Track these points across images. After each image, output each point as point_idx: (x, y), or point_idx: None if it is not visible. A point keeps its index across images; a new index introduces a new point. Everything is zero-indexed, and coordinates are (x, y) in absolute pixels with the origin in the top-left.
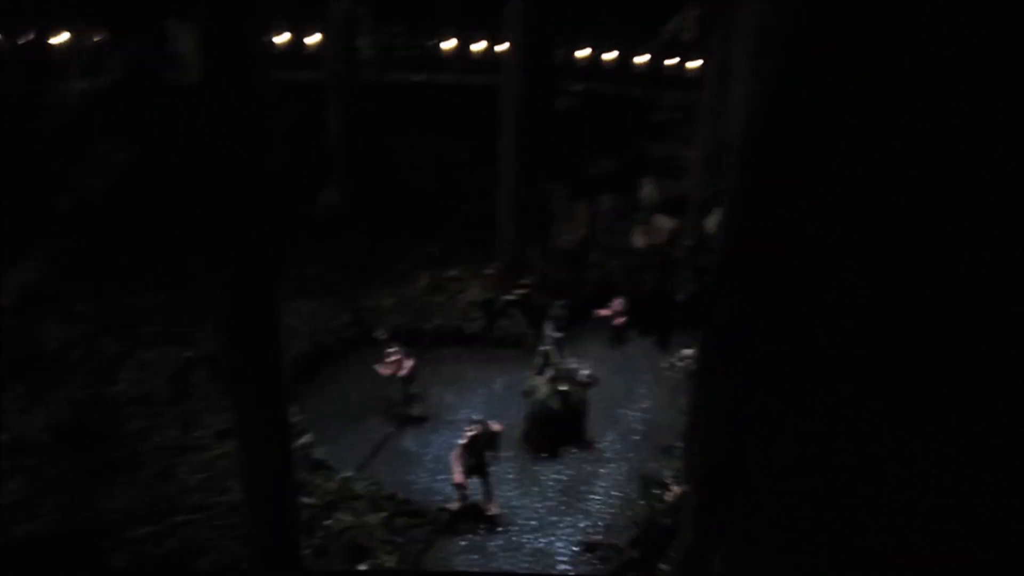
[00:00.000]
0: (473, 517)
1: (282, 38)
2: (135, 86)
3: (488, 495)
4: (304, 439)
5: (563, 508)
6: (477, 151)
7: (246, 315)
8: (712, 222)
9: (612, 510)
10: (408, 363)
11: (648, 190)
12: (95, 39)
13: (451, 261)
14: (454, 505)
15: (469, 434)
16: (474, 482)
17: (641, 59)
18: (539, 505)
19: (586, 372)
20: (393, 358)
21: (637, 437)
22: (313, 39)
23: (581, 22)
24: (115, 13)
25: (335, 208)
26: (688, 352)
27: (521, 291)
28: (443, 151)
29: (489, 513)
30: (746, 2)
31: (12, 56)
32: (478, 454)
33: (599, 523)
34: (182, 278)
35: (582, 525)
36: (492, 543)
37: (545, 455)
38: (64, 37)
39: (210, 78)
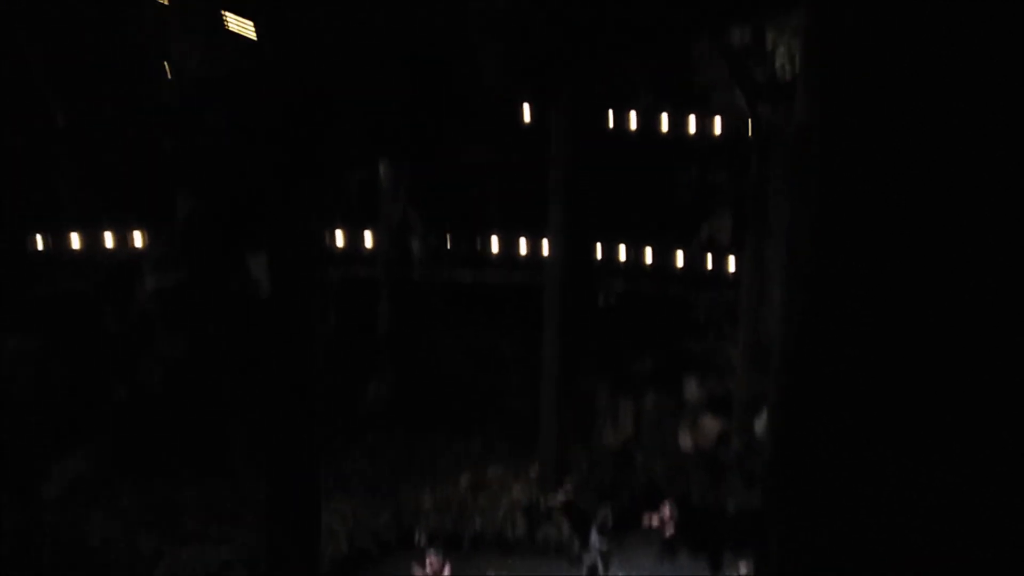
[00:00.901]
0: None
1: (339, 238)
2: (204, 291)
3: None
4: None
5: None
6: (521, 347)
7: (288, 514)
8: (760, 424)
9: None
10: (447, 572)
11: (693, 389)
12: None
13: (493, 458)
14: None
15: None
16: None
17: (679, 258)
18: None
19: None
20: (431, 568)
21: None
22: (368, 239)
23: (619, 223)
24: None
25: (382, 401)
26: (744, 571)
27: (565, 494)
28: (487, 347)
29: None
30: (775, 205)
31: (87, 254)
32: None
33: None
34: (225, 471)
35: None
36: None
37: None
38: (138, 236)
39: (277, 298)
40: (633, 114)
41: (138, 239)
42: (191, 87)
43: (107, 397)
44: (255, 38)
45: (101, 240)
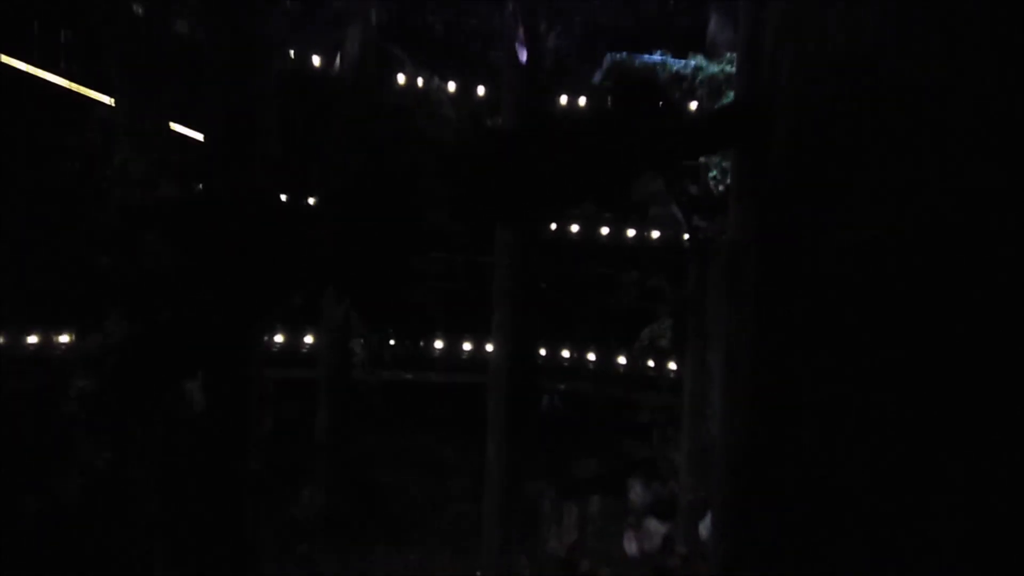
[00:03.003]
0: None
1: (278, 338)
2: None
3: None
4: None
5: None
6: (463, 451)
7: None
8: (705, 527)
9: None
10: None
11: (638, 492)
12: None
13: (433, 567)
14: None
15: None
16: None
17: (622, 361)
18: None
19: None
20: None
21: None
22: (308, 339)
23: (563, 325)
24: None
25: (317, 509)
26: None
27: None
28: (428, 450)
29: None
30: (714, 311)
31: (14, 355)
32: None
33: None
34: None
35: None
36: None
37: None
38: (65, 338)
39: (211, 411)
40: (575, 225)
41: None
42: (134, 205)
43: (16, 509)
44: (205, 159)
45: (23, 341)
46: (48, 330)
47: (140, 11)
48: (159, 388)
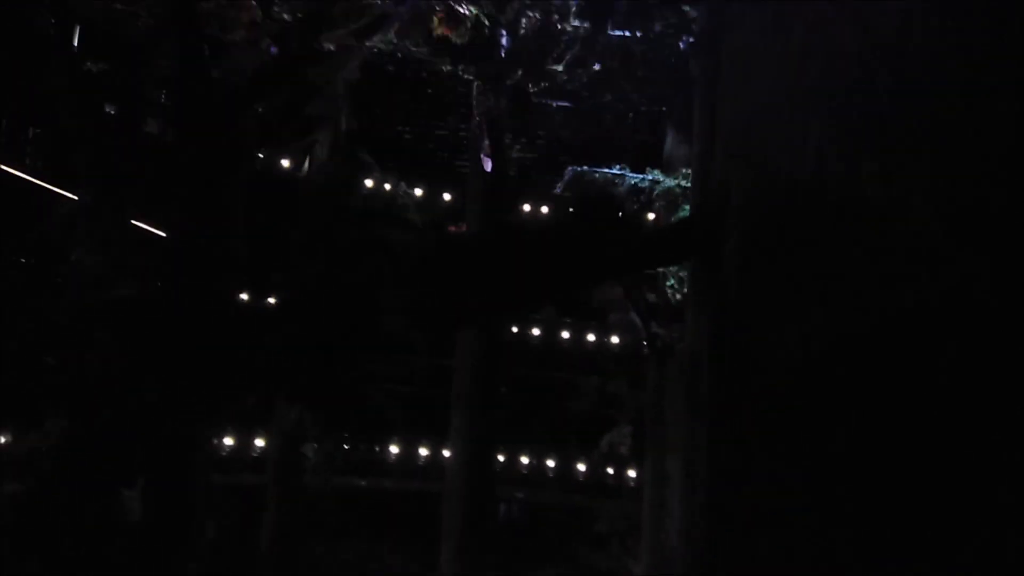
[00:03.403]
0: None
1: (227, 441)
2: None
3: None
4: None
5: None
6: (416, 559)
7: None
8: None
9: None
10: None
11: None
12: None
13: None
14: None
15: None
16: None
17: (581, 468)
18: None
19: None
20: None
21: None
22: (258, 443)
23: (521, 431)
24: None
25: None
26: None
27: None
28: (380, 559)
29: None
30: (673, 418)
31: None
32: None
33: None
34: None
35: None
36: None
37: None
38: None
39: (149, 518)
40: (535, 329)
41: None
42: (87, 303)
43: None
44: (167, 258)
45: None
46: None
47: (111, 110)
48: (96, 492)
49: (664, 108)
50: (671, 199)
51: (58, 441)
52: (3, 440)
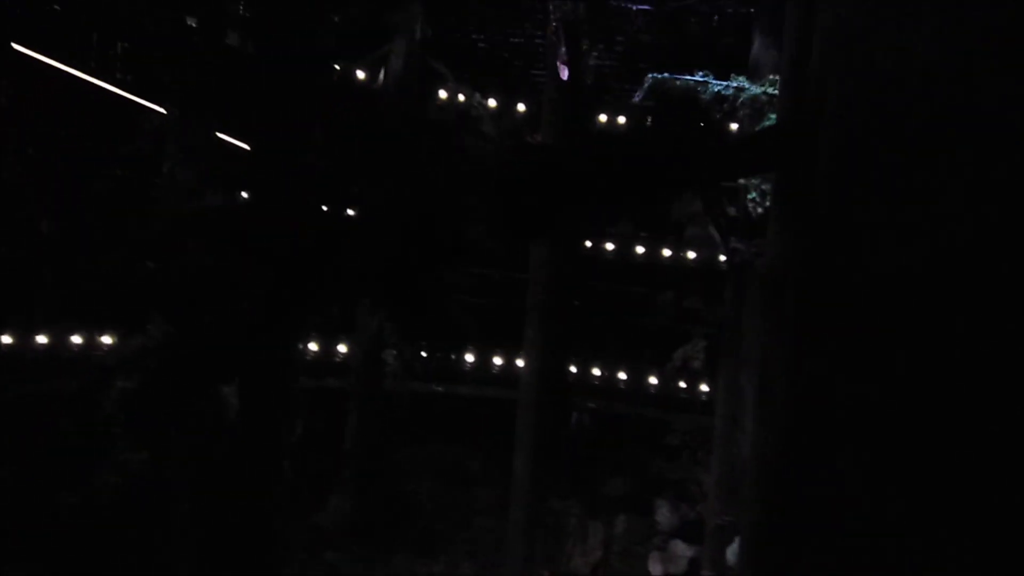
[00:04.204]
0: None
1: (312, 346)
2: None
3: None
4: None
5: None
6: (491, 465)
7: None
8: (732, 552)
9: None
10: None
11: (665, 514)
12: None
13: None
14: None
15: None
16: None
17: (654, 381)
18: None
19: None
20: None
21: None
22: (341, 348)
23: (595, 343)
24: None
25: (344, 517)
26: None
27: None
28: (456, 463)
29: None
30: (749, 334)
31: (58, 355)
32: None
33: None
34: None
35: None
36: None
37: None
38: (108, 340)
39: (245, 416)
40: (610, 243)
41: (107, 340)
42: (181, 212)
43: (57, 502)
44: (251, 169)
45: (68, 341)
46: (92, 332)
47: (193, 23)
48: (197, 390)
49: (752, 9)
50: (757, 108)
51: (161, 343)
52: (112, 341)
